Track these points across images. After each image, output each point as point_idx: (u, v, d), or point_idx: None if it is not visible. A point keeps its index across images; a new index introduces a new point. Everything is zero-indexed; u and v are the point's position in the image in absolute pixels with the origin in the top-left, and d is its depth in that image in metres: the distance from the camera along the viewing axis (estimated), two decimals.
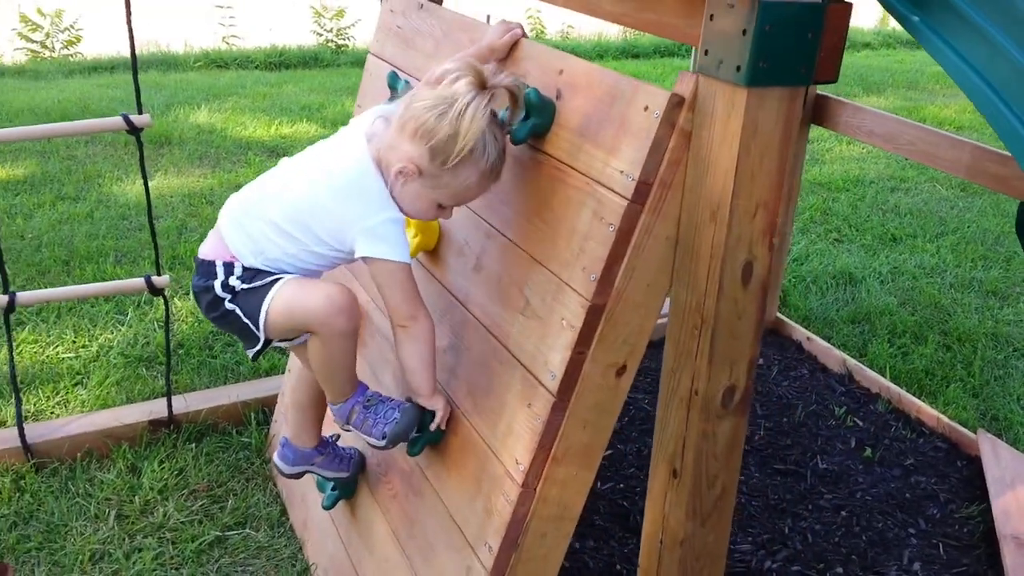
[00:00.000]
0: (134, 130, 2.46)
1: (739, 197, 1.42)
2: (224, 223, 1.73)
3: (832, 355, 3.26)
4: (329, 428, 2.12)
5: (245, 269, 1.68)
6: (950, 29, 1.24)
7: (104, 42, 7.72)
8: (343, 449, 2.13)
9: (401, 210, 1.66)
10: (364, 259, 1.65)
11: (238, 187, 5.01)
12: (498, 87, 1.58)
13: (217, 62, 7.79)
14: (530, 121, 1.69)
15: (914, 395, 3.02)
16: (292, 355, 2.07)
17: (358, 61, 8.22)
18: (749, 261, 1.48)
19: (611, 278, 1.51)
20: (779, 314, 3.54)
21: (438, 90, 1.58)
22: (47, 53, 8.07)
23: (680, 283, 1.55)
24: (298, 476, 2.11)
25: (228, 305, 1.69)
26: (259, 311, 1.67)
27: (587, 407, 1.58)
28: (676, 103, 1.45)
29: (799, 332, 3.42)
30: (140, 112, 2.48)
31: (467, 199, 1.68)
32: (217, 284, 1.68)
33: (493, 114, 1.58)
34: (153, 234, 2.62)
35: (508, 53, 1.87)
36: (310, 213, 1.65)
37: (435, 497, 1.84)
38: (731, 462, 1.66)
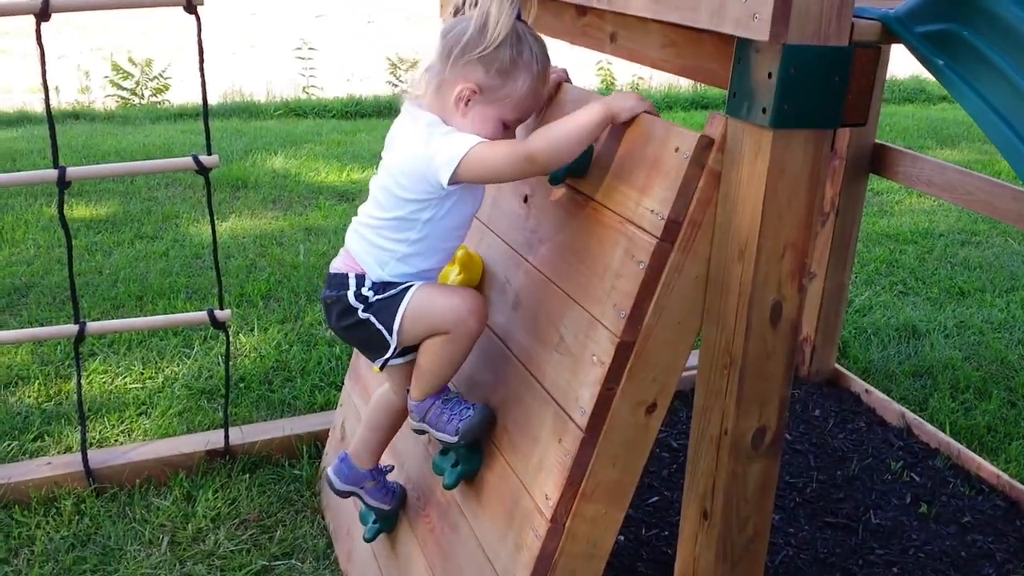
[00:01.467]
0: (203, 170, 2.59)
1: (766, 237, 1.43)
2: (350, 238, 1.82)
3: (891, 408, 3.18)
4: (384, 459, 2.18)
5: (374, 283, 1.76)
6: (974, 73, 1.25)
7: (191, 90, 8.07)
8: (390, 482, 2.17)
9: None
10: (452, 178, 1.61)
11: (307, 229, 5.12)
12: None
13: (296, 111, 8.08)
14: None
15: (975, 451, 2.93)
16: (384, 377, 2.12)
17: None
18: (778, 301, 1.49)
19: (640, 315, 1.54)
20: (838, 366, 3.47)
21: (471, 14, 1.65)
22: (136, 100, 8.49)
23: (710, 322, 1.57)
24: (345, 495, 2.15)
25: (362, 315, 1.76)
26: (394, 318, 1.75)
27: (616, 444, 1.59)
28: (705, 144, 1.48)
29: (857, 384, 3.36)
30: (210, 153, 2.61)
31: (528, 110, 1.73)
32: (350, 294, 1.76)
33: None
34: (217, 270, 2.73)
35: (552, 96, 1.92)
36: (395, 182, 1.70)
37: (469, 531, 1.87)
38: (763, 505, 1.64)
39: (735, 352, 1.51)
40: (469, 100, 1.65)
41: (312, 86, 8.92)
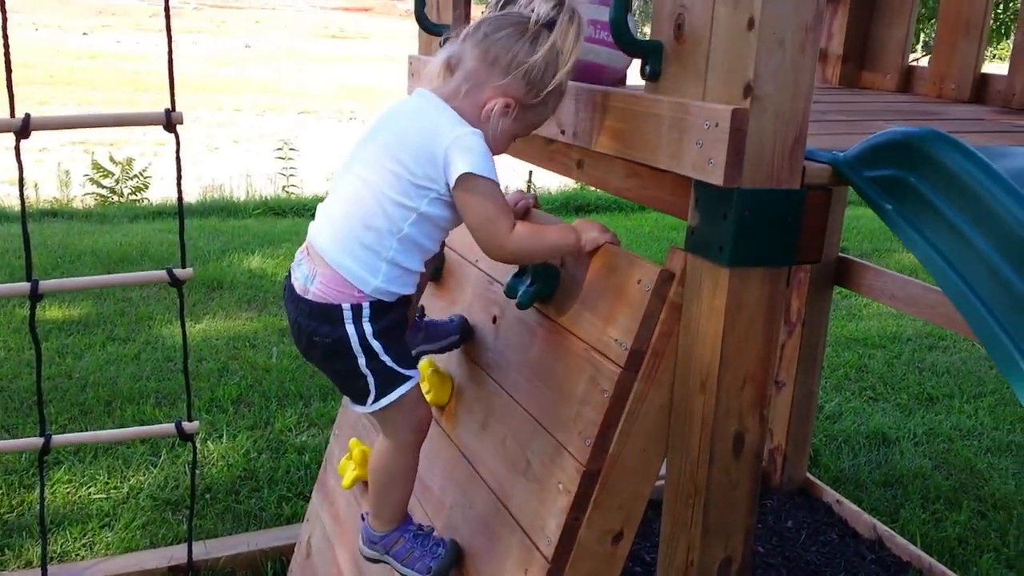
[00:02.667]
0: (176, 283, 2.60)
1: (726, 369, 1.46)
2: (327, 250, 1.59)
3: (862, 520, 3.18)
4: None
5: (373, 306, 1.58)
6: (921, 219, 1.30)
7: (170, 187, 8.18)
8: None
9: None
10: (460, 181, 1.51)
11: (281, 330, 5.07)
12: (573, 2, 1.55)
13: (275, 210, 8.16)
14: (534, 287, 1.77)
15: (946, 565, 2.92)
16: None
17: None
18: (740, 432, 1.51)
19: (606, 444, 1.55)
20: (809, 475, 3.48)
21: (515, 14, 1.55)
22: (115, 198, 8.56)
23: (674, 450, 1.58)
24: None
25: (364, 368, 1.62)
26: (388, 393, 1.65)
27: (583, 574, 1.59)
28: (666, 278, 1.52)
29: (829, 494, 3.35)
30: (184, 265, 2.64)
31: (539, 126, 1.68)
32: (351, 337, 1.58)
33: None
34: (187, 381, 2.72)
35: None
36: (396, 160, 1.54)
37: None
38: None
39: (699, 482, 1.53)
40: (503, 113, 1.56)
41: (292, 185, 9.04)
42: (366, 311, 1.59)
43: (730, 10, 1.37)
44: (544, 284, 1.77)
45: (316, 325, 1.60)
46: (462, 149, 1.51)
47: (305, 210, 8.25)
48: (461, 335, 2.03)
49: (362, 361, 1.61)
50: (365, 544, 1.85)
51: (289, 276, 1.69)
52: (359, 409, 1.71)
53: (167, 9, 2.42)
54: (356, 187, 1.59)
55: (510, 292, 1.81)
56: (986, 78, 2.63)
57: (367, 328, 1.59)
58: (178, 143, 2.48)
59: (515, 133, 1.62)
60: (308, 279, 1.61)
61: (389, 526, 1.81)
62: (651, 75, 1.55)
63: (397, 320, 1.66)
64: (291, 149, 9.17)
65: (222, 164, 12.06)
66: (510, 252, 1.59)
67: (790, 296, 3.37)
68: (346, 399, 1.83)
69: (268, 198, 8.59)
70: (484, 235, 1.57)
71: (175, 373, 4.32)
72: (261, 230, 7.28)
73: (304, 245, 1.68)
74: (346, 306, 1.58)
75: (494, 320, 1.98)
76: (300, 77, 24.58)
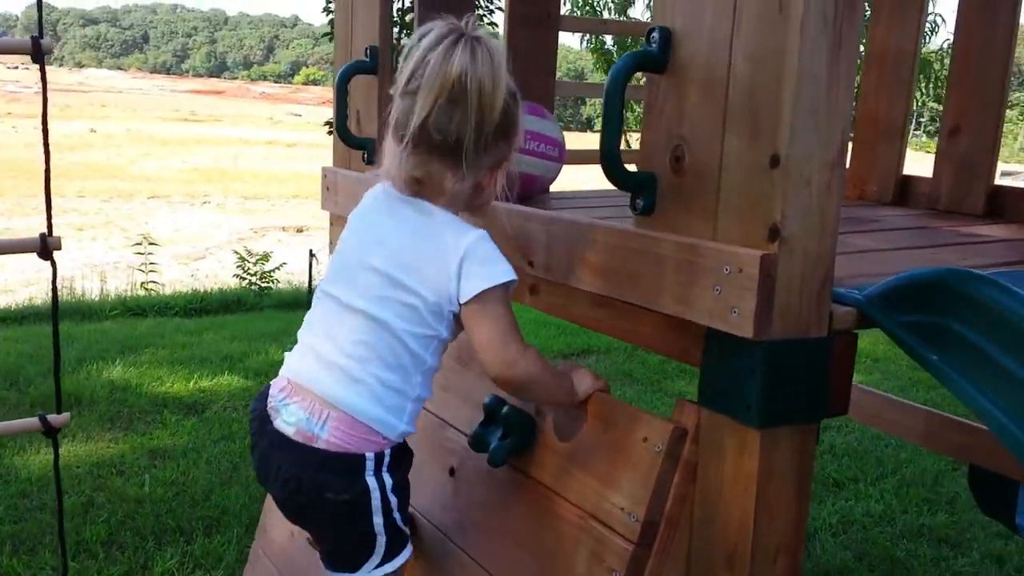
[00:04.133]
0: (51, 431, 2.24)
1: (759, 542, 1.29)
2: (337, 393, 1.38)
3: None
4: None
5: (396, 461, 1.41)
6: (971, 369, 1.19)
7: (11, 287, 7.49)
8: None
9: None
10: (475, 299, 1.36)
11: (152, 452, 4.61)
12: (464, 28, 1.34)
13: (134, 310, 7.59)
14: (509, 440, 1.57)
15: None
16: None
17: (281, 304, 8.15)
18: None
19: None
20: None
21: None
22: None
23: None
24: None
25: (378, 527, 1.41)
26: (391, 560, 1.46)
27: None
28: (679, 436, 1.35)
29: None
30: (59, 411, 2.27)
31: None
32: (373, 494, 1.38)
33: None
34: (61, 532, 2.33)
35: None
36: (404, 285, 1.38)
37: None
38: None
39: None
40: (493, 183, 1.42)
41: (153, 281, 8.48)
42: (387, 460, 1.41)
43: (745, 145, 1.24)
44: (521, 436, 1.56)
45: (331, 479, 1.37)
46: (478, 261, 1.37)
47: (167, 308, 7.73)
48: None
49: (378, 521, 1.41)
50: None
51: (262, 418, 1.45)
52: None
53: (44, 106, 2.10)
54: (366, 325, 1.39)
55: (478, 445, 1.60)
56: (908, 180, 2.64)
57: (387, 481, 1.41)
58: (55, 272, 2.15)
59: (501, 182, 1.46)
60: (312, 424, 1.39)
61: None
62: (644, 209, 1.40)
63: (409, 467, 1.50)
64: (151, 243, 8.62)
65: (67, 255, 11.27)
66: (519, 376, 1.39)
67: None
68: (320, 561, 1.53)
69: (126, 296, 8.00)
70: (494, 352, 1.37)
71: (32, 511, 3.80)
72: (120, 334, 6.72)
73: (282, 381, 1.46)
74: (369, 455, 1.39)
75: (451, 472, 1.75)
76: (149, 161, 23.67)
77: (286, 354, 1.52)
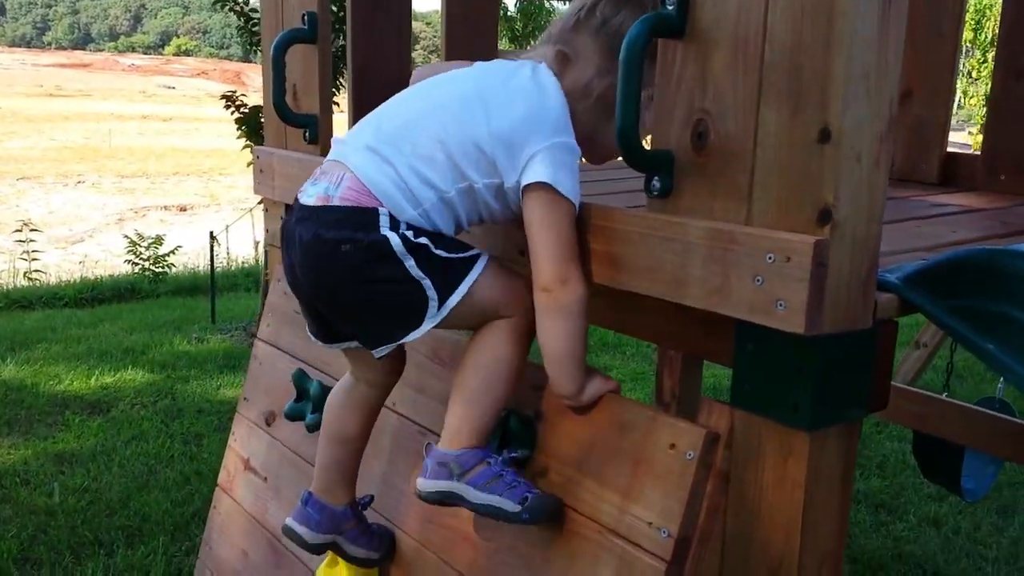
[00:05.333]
0: None
1: (807, 552, 1.18)
2: (357, 161, 1.33)
3: None
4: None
5: (412, 226, 1.30)
6: None
7: None
8: (372, 524, 1.64)
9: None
10: (530, 187, 1.30)
11: (58, 457, 4.27)
12: None
13: (20, 302, 7.06)
14: (512, 453, 1.42)
15: None
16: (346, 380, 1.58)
17: (179, 290, 7.73)
18: None
19: None
20: None
21: None
22: None
23: None
24: (320, 550, 1.59)
25: (414, 271, 1.29)
26: (457, 285, 1.32)
27: None
28: (712, 441, 1.22)
29: None
30: None
31: None
32: (391, 238, 1.27)
33: None
34: None
35: None
36: (465, 134, 1.32)
37: None
38: None
39: None
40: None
41: (37, 270, 7.90)
42: (403, 225, 1.31)
43: (786, 117, 1.11)
44: (520, 442, 1.42)
45: (346, 232, 1.29)
46: (550, 160, 1.29)
47: (56, 300, 7.22)
48: (383, 556, 1.63)
49: (410, 263, 1.29)
50: (430, 476, 1.37)
51: (294, 206, 1.38)
52: (415, 334, 1.34)
53: None
54: (418, 118, 1.36)
55: (511, 472, 1.44)
56: None
57: (408, 233, 1.30)
58: None
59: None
60: (330, 188, 1.34)
61: (471, 441, 1.37)
62: (662, 191, 1.26)
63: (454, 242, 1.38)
64: (32, 230, 8.02)
65: None
66: (567, 297, 1.30)
67: (662, 374, 3.20)
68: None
69: (8, 288, 7.43)
70: (552, 260, 1.29)
71: None
72: (8, 329, 6.23)
73: (318, 169, 1.40)
74: (383, 211, 1.30)
75: None
76: (15, 140, 22.23)
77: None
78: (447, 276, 1.32)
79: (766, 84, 1.13)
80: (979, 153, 2.45)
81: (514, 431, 1.42)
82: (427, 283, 1.30)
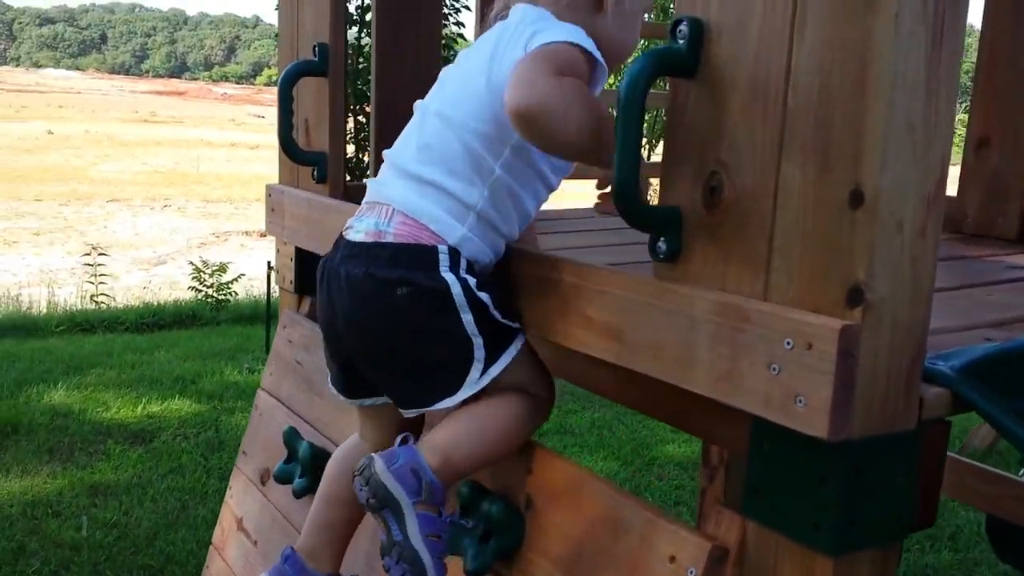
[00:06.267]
0: None
1: None
2: (397, 194, 1.25)
3: None
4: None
5: (482, 281, 1.21)
6: None
7: None
8: None
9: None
10: (540, 48, 1.16)
11: (93, 488, 4.22)
12: None
13: (83, 325, 7.15)
14: (492, 543, 1.24)
15: None
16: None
17: (240, 318, 7.74)
18: None
19: None
20: None
21: None
22: None
23: None
24: None
25: (470, 326, 1.18)
26: (500, 356, 1.22)
27: None
28: (719, 558, 1.02)
29: None
30: None
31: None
32: (452, 281, 1.18)
33: None
34: None
35: None
36: (481, 70, 1.24)
37: None
38: None
39: None
40: None
41: (103, 294, 8.02)
42: (463, 262, 1.21)
43: (813, 175, 0.92)
44: (507, 537, 1.24)
45: (403, 272, 1.18)
46: (554, 27, 1.19)
47: (118, 323, 7.29)
48: None
49: (468, 319, 1.19)
50: (395, 469, 1.20)
51: (338, 243, 1.29)
52: (449, 402, 1.22)
53: None
54: (434, 127, 1.27)
55: (452, 547, 1.27)
56: None
57: (469, 279, 1.20)
58: None
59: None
60: (380, 223, 1.24)
61: (444, 475, 1.21)
62: (669, 254, 1.07)
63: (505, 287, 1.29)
64: (100, 254, 8.17)
65: (22, 262, 10.78)
66: (536, 101, 1.09)
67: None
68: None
69: (74, 310, 7.55)
70: (520, 80, 1.11)
71: None
72: (66, 352, 6.28)
73: (361, 207, 1.33)
74: (443, 248, 1.20)
75: None
76: (108, 164, 23.10)
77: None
78: (496, 341, 1.22)
79: (789, 135, 0.94)
80: None
81: (497, 519, 1.24)
82: (478, 343, 1.20)
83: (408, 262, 1.19)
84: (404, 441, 1.25)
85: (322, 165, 1.86)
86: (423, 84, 2.17)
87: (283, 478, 1.72)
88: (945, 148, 0.91)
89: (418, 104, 1.35)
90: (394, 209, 1.24)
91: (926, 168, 0.90)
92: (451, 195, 1.22)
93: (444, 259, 1.20)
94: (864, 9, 0.87)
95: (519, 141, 1.20)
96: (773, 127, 0.96)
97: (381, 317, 1.20)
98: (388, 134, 2.18)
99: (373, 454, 1.23)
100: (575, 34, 1.18)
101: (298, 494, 1.68)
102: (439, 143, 1.25)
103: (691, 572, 1.02)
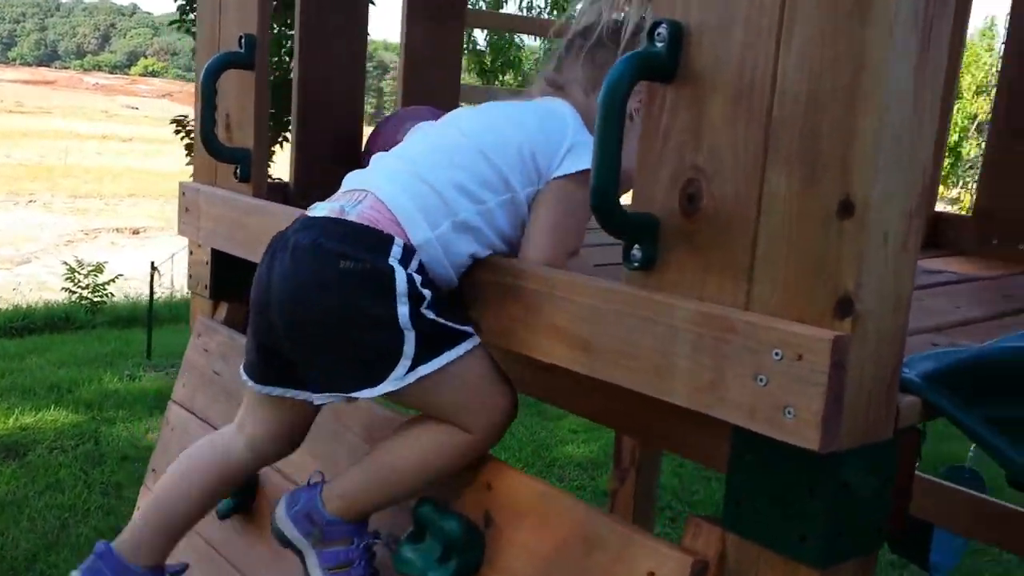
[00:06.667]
0: None
1: None
2: (378, 179, 1.24)
3: None
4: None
5: (428, 281, 1.18)
6: None
7: None
8: None
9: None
10: (571, 179, 1.25)
11: None
12: None
13: None
14: (452, 563, 1.19)
15: None
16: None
17: (117, 321, 7.37)
18: None
19: None
20: None
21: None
22: None
23: None
24: None
25: (403, 318, 1.13)
26: (432, 357, 1.15)
27: None
28: (699, 571, 1.01)
29: None
30: None
31: None
32: (397, 276, 1.14)
33: None
34: None
35: None
36: (504, 143, 1.26)
37: None
38: None
39: None
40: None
41: None
42: (415, 264, 1.18)
43: (798, 184, 0.91)
44: (468, 555, 1.19)
45: (350, 248, 1.15)
46: (583, 149, 1.24)
47: None
48: None
49: (403, 311, 1.14)
50: (293, 516, 1.25)
51: (295, 220, 1.24)
52: (368, 392, 1.17)
53: None
54: (452, 140, 1.29)
55: (407, 567, 1.21)
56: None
57: (416, 277, 1.16)
58: None
59: None
60: (347, 205, 1.22)
61: (350, 514, 1.24)
62: (644, 262, 1.05)
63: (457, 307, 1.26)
64: None
65: None
66: (549, 263, 1.23)
67: (619, 440, 3.00)
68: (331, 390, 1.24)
69: None
70: (558, 239, 1.26)
71: None
72: None
73: (338, 192, 1.29)
74: (399, 240, 1.18)
75: None
76: None
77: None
78: (431, 340, 1.16)
79: (774, 143, 0.93)
80: (970, 215, 2.30)
81: (456, 537, 1.19)
82: (409, 337, 1.14)
83: (359, 243, 1.16)
84: (310, 479, 1.28)
85: (245, 163, 1.76)
86: (349, 86, 2.11)
87: None
88: (927, 159, 0.92)
89: (433, 124, 1.37)
90: (368, 193, 1.22)
91: (911, 179, 0.90)
92: (440, 197, 1.21)
93: (397, 251, 1.16)
94: (858, 16, 0.86)
95: (523, 196, 1.26)
96: (757, 133, 0.94)
97: (317, 287, 1.16)
98: (312, 136, 2.11)
99: (282, 497, 1.27)
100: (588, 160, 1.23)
101: (223, 514, 1.58)
102: (460, 155, 1.26)
103: None
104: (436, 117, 1.87)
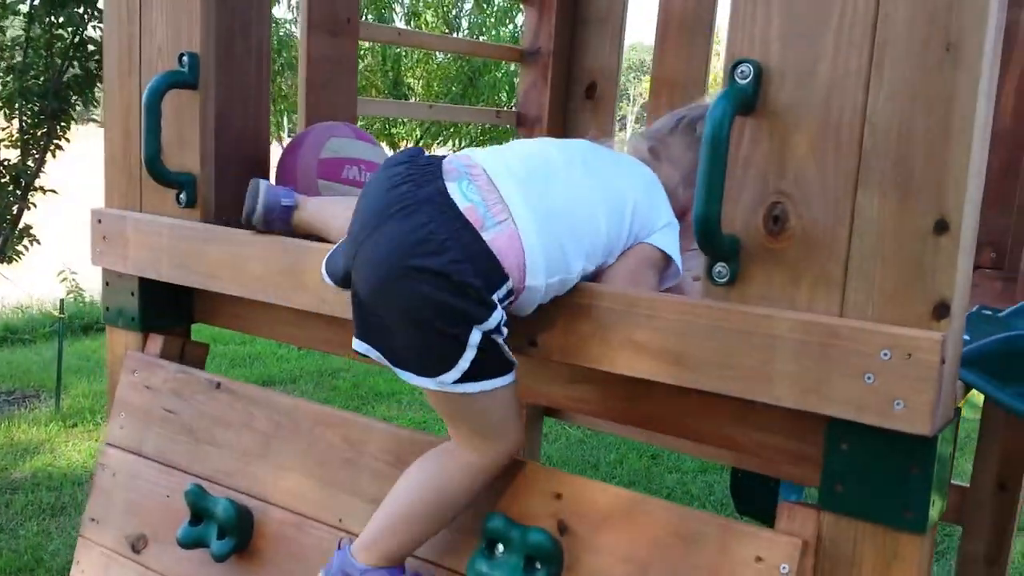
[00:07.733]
0: None
1: None
2: (527, 221, 1.23)
3: None
4: None
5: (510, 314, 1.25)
6: None
7: None
8: None
9: None
10: (652, 246, 1.36)
11: None
12: None
13: None
14: (540, 573, 1.23)
15: None
16: None
17: None
18: None
19: None
20: None
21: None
22: None
23: None
24: None
25: (473, 334, 1.17)
26: (480, 380, 1.20)
27: None
28: (804, 551, 1.13)
29: None
30: None
31: None
32: (495, 313, 1.18)
33: None
34: None
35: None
36: (621, 201, 1.35)
37: None
38: None
39: None
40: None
41: None
42: (511, 299, 1.23)
43: (894, 206, 1.06)
44: (553, 564, 1.23)
45: (467, 266, 1.17)
46: (671, 232, 1.39)
47: None
48: None
49: (476, 336, 1.18)
50: None
51: (428, 170, 1.26)
52: (423, 381, 1.21)
53: None
54: (578, 186, 1.33)
55: None
56: None
57: (501, 314, 1.20)
58: None
59: None
60: (488, 215, 1.22)
61: (382, 560, 1.28)
62: (731, 278, 1.15)
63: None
64: None
65: None
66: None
67: None
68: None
69: None
70: (630, 284, 1.33)
71: None
72: None
73: (466, 158, 1.31)
74: (510, 283, 1.21)
75: None
76: None
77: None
78: (483, 364, 1.20)
79: (865, 170, 1.07)
80: None
81: (540, 546, 1.23)
82: (469, 356, 1.19)
83: (478, 263, 1.18)
84: (339, 543, 1.33)
85: (191, 188, 1.65)
86: (255, 97, 2.00)
87: (193, 542, 1.52)
88: (981, 188, 1.09)
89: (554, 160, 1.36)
90: (510, 222, 1.23)
91: (977, 200, 1.07)
92: (564, 253, 1.25)
93: (503, 291, 1.20)
94: (948, 61, 1.01)
95: (612, 262, 1.34)
96: (848, 162, 1.07)
97: (412, 271, 1.17)
98: (222, 149, 1.99)
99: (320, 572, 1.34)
100: (674, 246, 1.38)
101: (220, 557, 1.49)
102: (589, 220, 1.30)
103: (784, 568, 1.11)
104: (363, 139, 1.86)
